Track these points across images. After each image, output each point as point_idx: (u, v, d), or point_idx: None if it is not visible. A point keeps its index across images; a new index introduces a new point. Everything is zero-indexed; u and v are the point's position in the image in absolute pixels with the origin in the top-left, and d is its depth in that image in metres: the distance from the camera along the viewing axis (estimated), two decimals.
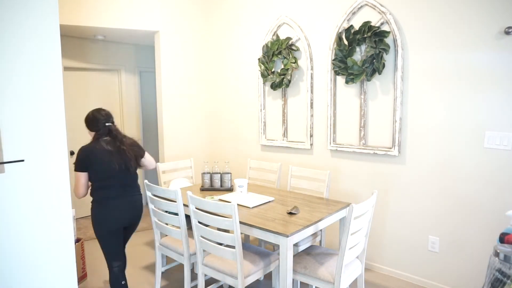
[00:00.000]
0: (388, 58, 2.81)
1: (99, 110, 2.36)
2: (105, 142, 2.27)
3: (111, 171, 2.24)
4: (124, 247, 2.44)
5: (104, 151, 2.24)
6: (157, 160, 5.25)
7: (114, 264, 2.34)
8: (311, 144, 3.39)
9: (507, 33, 2.26)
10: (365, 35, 2.83)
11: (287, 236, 2.00)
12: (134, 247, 3.66)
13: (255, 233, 2.17)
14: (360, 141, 3.04)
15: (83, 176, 2.23)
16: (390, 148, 2.86)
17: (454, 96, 2.54)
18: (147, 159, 2.51)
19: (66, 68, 4.20)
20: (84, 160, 2.21)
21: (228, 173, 3.03)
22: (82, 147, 2.24)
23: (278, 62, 3.59)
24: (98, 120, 2.30)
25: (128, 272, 3.11)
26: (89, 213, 4.57)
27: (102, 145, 2.25)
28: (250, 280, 2.17)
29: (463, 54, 2.48)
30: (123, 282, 2.38)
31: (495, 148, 2.40)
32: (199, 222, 2.27)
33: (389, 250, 2.99)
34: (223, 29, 4.14)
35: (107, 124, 2.31)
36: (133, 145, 2.38)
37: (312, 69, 3.31)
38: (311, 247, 2.50)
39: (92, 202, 2.32)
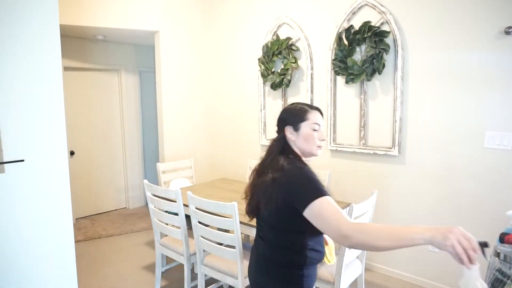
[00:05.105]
0: (388, 58, 2.81)
1: None
2: None
3: None
4: None
5: None
6: (157, 160, 5.25)
7: None
8: None
9: (507, 33, 2.26)
10: (365, 35, 2.83)
11: None
12: (134, 247, 3.66)
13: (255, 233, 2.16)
14: (360, 141, 3.04)
15: None
16: (390, 148, 2.86)
17: (454, 96, 2.54)
18: None
19: (66, 68, 4.20)
20: None
21: None
22: None
23: (278, 62, 3.59)
24: None
25: (128, 272, 3.12)
26: (88, 213, 4.59)
27: None
28: None
29: (463, 54, 2.47)
30: None
31: (495, 148, 2.40)
32: (199, 222, 2.27)
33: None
34: (223, 29, 4.14)
35: None
36: None
37: (312, 69, 3.31)
38: None
39: None
